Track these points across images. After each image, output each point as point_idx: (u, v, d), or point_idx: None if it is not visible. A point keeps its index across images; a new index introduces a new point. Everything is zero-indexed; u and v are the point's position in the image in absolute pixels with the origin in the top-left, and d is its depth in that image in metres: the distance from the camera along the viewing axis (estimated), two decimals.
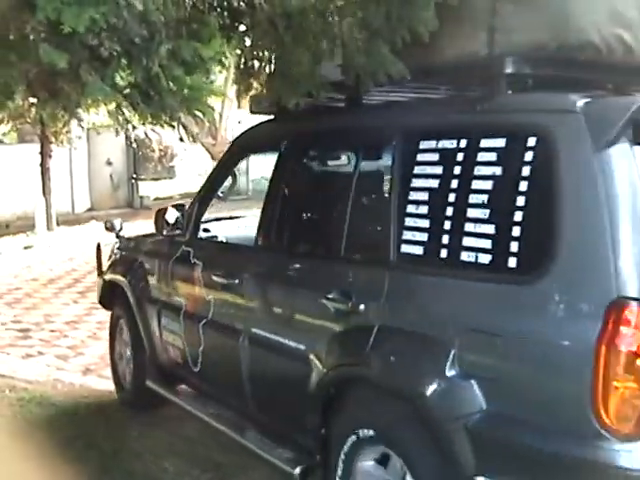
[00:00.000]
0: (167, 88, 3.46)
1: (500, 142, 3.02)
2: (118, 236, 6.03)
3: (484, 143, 3.07)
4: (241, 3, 4.03)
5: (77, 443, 5.14)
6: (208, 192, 5.09)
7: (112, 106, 4.17)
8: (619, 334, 2.53)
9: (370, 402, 3.33)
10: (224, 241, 5.05)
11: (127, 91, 3.41)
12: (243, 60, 4.01)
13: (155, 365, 5.39)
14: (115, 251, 6.01)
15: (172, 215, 5.08)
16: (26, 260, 13.70)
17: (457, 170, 3.15)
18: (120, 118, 4.20)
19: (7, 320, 9.10)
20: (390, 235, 3.37)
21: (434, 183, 3.24)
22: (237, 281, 4.29)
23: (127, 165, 22.63)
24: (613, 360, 2.53)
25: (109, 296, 6.06)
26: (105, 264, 6.15)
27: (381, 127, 3.71)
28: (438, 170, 3.24)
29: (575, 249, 2.70)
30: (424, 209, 3.25)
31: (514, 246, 2.85)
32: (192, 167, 29.23)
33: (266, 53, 3.98)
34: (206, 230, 5.09)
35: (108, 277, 6.01)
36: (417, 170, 3.34)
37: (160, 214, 5.12)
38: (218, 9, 3.94)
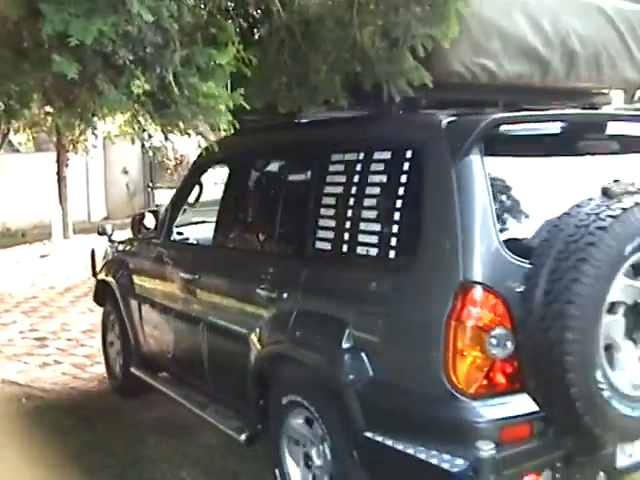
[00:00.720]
0: (182, 96, 3.43)
1: (387, 154, 3.63)
2: (110, 240, 6.69)
3: (376, 155, 3.69)
4: (258, 10, 4.03)
5: (94, 452, 5.15)
6: (178, 200, 5.76)
7: (127, 115, 4.15)
8: (465, 312, 3.10)
9: (293, 373, 3.99)
10: (190, 243, 5.65)
11: (142, 99, 3.39)
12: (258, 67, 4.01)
13: (138, 354, 6.02)
14: (107, 254, 6.69)
15: (150, 220, 5.85)
16: (43, 268, 13.76)
17: (356, 178, 3.76)
18: (136, 127, 4.20)
19: (24, 329, 9.14)
20: (307, 234, 4.02)
21: (339, 190, 3.86)
22: (197, 276, 4.99)
23: (143, 173, 22.69)
24: (460, 334, 3.10)
25: (102, 294, 6.70)
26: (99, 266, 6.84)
27: (304, 142, 4.42)
28: (342, 179, 3.85)
29: (434, 243, 3.30)
30: (331, 212, 3.88)
31: (393, 241, 3.46)
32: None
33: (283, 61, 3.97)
34: (180, 233, 5.71)
35: (100, 277, 6.71)
36: (328, 179, 3.97)
37: (136, 219, 6.01)
38: (235, 15, 3.95)
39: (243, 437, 4.42)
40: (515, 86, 4.11)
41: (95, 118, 4.29)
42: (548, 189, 3.45)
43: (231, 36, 3.61)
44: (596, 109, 4.67)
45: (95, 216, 21.39)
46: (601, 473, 3.39)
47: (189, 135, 3.88)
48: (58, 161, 17.89)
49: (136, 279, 6.01)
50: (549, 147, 3.57)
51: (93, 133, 4.86)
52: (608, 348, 3.15)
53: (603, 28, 4.40)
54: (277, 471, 4.13)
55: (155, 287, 5.69)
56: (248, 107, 3.69)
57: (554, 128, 3.57)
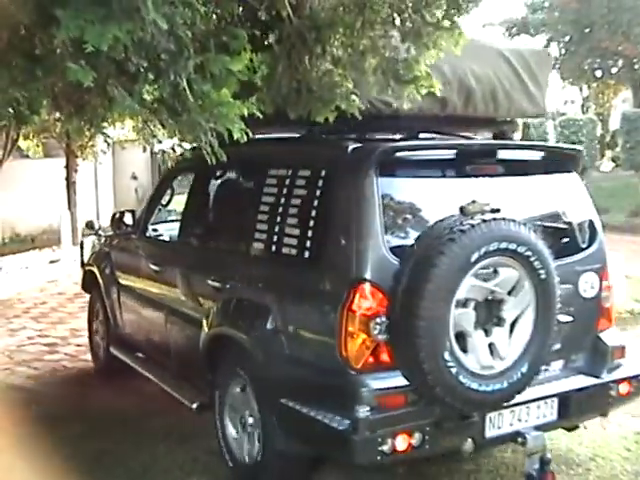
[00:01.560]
0: (195, 103, 3.42)
1: (307, 172, 4.45)
2: (97, 234, 7.60)
3: (300, 172, 4.49)
4: (268, 16, 4.01)
5: (105, 459, 5.13)
6: (153, 201, 6.61)
7: (138, 121, 4.15)
8: (355, 303, 3.90)
9: (232, 350, 4.74)
10: (160, 239, 6.38)
11: (154, 106, 3.37)
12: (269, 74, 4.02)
13: (117, 335, 6.91)
14: (94, 246, 7.66)
15: (129, 218, 6.63)
16: (52, 274, 13.74)
17: (284, 191, 4.55)
18: (146, 133, 4.21)
19: (33, 334, 9.13)
20: (247, 236, 4.81)
21: (271, 199, 4.66)
22: (162, 268, 5.88)
23: (152, 179, 22.69)
24: (351, 320, 3.91)
25: (89, 283, 7.61)
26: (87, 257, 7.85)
27: (248, 158, 5.08)
28: (274, 190, 4.65)
29: (335, 247, 4.10)
30: (265, 217, 4.66)
31: (307, 244, 4.26)
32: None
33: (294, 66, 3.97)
34: (155, 230, 6.49)
35: (87, 267, 7.67)
36: (264, 190, 4.75)
37: (115, 217, 6.80)
38: (247, 22, 3.94)
39: (194, 405, 5.21)
40: (418, 115, 4.94)
41: (105, 124, 4.30)
42: (431, 205, 4.21)
43: (243, 43, 3.61)
44: (505, 136, 5.50)
45: (104, 221, 21.34)
46: (469, 440, 4.08)
47: (201, 141, 3.86)
48: (67, 167, 17.89)
49: (116, 269, 6.93)
50: (435, 169, 4.38)
51: (105, 141, 4.87)
52: (461, 335, 3.89)
53: (500, 67, 5.29)
54: (220, 434, 4.92)
55: (130, 276, 6.60)
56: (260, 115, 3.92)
57: (439, 154, 4.40)
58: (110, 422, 5.81)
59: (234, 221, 5.22)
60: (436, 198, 4.27)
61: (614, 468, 4.98)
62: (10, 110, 4.23)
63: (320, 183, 4.30)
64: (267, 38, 4.10)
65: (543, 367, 4.21)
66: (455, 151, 4.36)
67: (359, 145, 4.35)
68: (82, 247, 8.35)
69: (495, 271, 3.95)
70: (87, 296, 7.81)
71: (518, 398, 4.10)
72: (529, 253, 3.93)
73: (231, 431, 4.85)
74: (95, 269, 7.30)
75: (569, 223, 4.65)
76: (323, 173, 4.32)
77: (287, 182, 4.54)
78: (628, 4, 23.92)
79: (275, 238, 4.53)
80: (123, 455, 5.18)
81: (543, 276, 4.00)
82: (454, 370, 3.81)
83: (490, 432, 4.15)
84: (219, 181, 5.64)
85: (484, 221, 3.84)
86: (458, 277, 3.79)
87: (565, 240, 4.61)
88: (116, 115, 3.95)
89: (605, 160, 27.71)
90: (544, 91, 5.58)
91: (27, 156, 21.49)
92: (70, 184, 17.83)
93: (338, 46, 3.99)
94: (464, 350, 3.90)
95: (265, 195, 4.73)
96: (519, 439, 4.18)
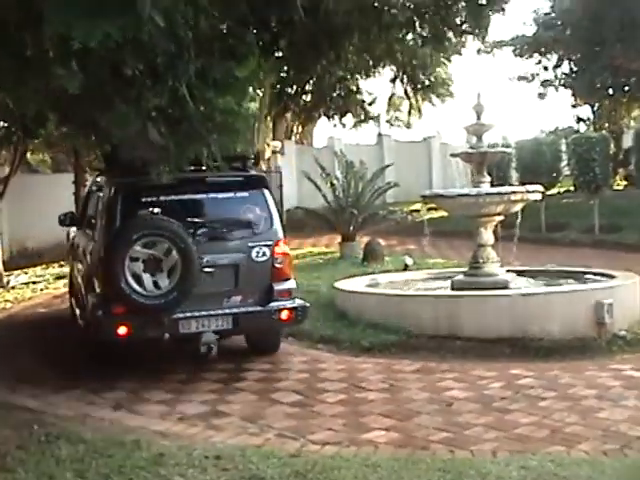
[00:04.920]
0: (197, 111, 3.17)
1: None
2: (70, 227, 10.52)
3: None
4: (279, 20, 3.79)
5: None
6: (83, 209, 9.75)
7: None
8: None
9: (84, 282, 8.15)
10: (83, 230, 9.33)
11: (153, 115, 3.13)
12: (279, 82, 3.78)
13: (74, 295, 9.66)
14: (71, 237, 10.70)
15: (74, 217, 10.08)
16: (59, 289, 13.54)
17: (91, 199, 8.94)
18: None
19: None
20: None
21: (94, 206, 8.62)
22: (80, 246, 9.01)
23: None
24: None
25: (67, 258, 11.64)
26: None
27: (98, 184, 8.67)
28: (95, 201, 8.53)
29: (100, 224, 7.57)
30: (92, 214, 8.42)
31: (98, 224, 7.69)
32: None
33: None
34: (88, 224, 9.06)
35: (67, 249, 11.34)
36: (90, 200, 8.93)
37: (65, 215, 10.04)
38: (256, 26, 3.70)
39: (81, 322, 8.44)
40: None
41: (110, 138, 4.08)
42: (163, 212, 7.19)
43: (252, 48, 3.36)
44: (246, 168, 8.08)
45: None
46: (166, 334, 7.09)
47: (201, 155, 3.62)
48: (76, 182, 17.78)
49: (73, 248, 9.93)
50: (166, 190, 7.24)
51: None
52: (135, 275, 6.92)
53: None
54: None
55: (77, 254, 9.39)
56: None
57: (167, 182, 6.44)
58: (114, 444, 5.55)
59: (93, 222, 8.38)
60: (162, 206, 7.22)
61: None
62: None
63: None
64: (278, 43, 3.88)
65: (223, 299, 7.40)
66: (176, 180, 6.62)
67: (123, 181, 7.56)
68: (68, 237, 11.21)
69: (155, 243, 7.04)
70: None
71: (202, 312, 7.23)
72: (171, 235, 7.02)
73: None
74: (68, 252, 10.95)
75: (253, 218, 7.71)
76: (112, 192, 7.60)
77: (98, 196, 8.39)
78: None
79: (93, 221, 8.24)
80: None
81: (182, 246, 7.00)
82: (128, 290, 6.91)
83: (182, 330, 7.19)
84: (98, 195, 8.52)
85: (142, 217, 7.14)
86: (126, 246, 6.94)
87: (249, 228, 7.70)
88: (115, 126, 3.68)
89: (618, 178, 27.41)
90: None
91: (37, 171, 21.36)
92: (78, 199, 17.67)
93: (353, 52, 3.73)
94: (140, 283, 6.96)
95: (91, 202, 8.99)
96: (201, 335, 7.17)
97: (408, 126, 43.91)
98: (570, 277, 10.10)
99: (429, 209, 12.50)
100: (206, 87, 3.14)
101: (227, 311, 7.35)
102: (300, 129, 34.81)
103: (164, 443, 5.55)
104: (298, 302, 7.64)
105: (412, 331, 8.21)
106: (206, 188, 7.63)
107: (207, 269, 7.16)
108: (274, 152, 28.90)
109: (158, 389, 7.02)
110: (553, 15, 27.58)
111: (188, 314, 7.15)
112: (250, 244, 7.50)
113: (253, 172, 8.14)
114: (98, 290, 7.36)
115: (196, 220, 7.42)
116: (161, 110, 3.10)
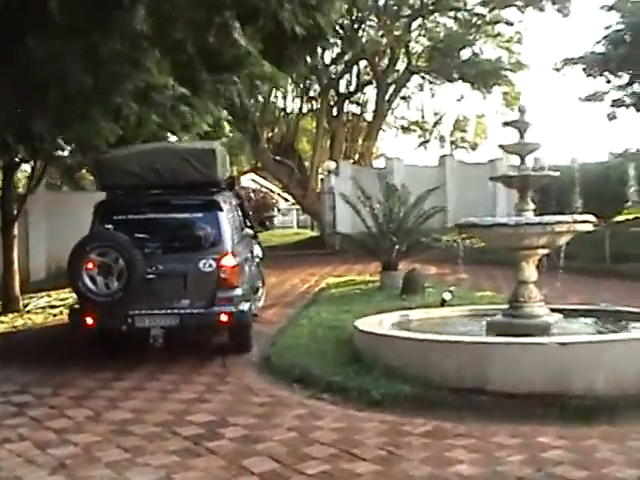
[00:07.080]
0: None
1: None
2: None
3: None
4: None
5: None
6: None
7: None
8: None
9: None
10: None
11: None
12: None
13: None
14: None
15: None
16: None
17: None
18: None
19: None
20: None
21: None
22: None
23: None
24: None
25: None
26: None
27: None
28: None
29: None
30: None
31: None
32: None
33: None
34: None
35: None
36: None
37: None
38: None
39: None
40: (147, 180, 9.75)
41: None
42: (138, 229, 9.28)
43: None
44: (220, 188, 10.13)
45: None
46: (124, 327, 8.98)
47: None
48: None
49: None
50: (134, 211, 9.51)
51: None
52: (92, 277, 8.81)
53: (178, 159, 9.81)
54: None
55: None
56: None
57: (143, 199, 9.71)
58: None
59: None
60: (131, 223, 9.32)
61: None
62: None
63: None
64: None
65: (173, 301, 9.05)
66: (146, 202, 9.60)
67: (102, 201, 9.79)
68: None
69: (106, 253, 8.85)
70: None
71: (155, 311, 8.93)
72: (117, 246, 8.83)
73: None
74: None
75: (204, 235, 9.24)
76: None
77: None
78: None
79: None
80: None
81: (127, 256, 8.74)
82: (84, 290, 8.77)
83: (137, 324, 8.90)
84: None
85: (98, 231, 9.31)
86: (83, 255, 8.79)
87: (200, 243, 9.22)
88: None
89: None
90: (214, 168, 9.83)
91: (84, 188, 21.04)
92: None
93: None
94: (94, 283, 8.78)
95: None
96: (151, 329, 8.89)
97: (474, 147, 42.69)
98: (627, 319, 8.83)
99: (463, 239, 11.33)
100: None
101: (175, 311, 8.96)
102: (359, 149, 33.87)
103: None
104: (240, 307, 9.16)
105: (433, 381, 7.00)
106: (169, 209, 9.49)
107: (151, 276, 8.89)
108: (329, 172, 27.98)
109: (118, 444, 5.99)
110: (624, 32, 25.95)
111: (143, 312, 8.88)
112: (199, 257, 9.09)
113: (211, 197, 9.62)
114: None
115: (156, 234, 9.28)
116: None
